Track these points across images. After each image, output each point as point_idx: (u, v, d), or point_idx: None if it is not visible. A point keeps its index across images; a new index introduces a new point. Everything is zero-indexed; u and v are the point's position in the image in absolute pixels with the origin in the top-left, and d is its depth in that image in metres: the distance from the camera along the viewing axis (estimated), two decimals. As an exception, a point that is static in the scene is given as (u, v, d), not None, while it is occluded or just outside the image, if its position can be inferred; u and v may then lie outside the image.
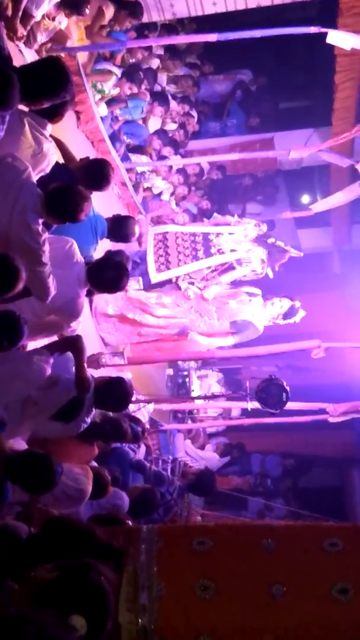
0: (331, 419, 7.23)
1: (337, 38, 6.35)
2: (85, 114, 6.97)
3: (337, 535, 3.12)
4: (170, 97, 8.98)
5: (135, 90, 7.63)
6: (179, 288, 7.37)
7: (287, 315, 7.40)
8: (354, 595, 2.96)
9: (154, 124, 8.65)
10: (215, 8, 8.36)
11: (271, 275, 7.60)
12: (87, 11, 5.65)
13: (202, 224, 7.97)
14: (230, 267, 7.46)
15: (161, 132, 8.65)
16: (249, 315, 7.30)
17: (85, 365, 4.27)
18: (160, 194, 9.08)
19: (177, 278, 7.42)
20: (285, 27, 6.92)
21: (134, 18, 6.97)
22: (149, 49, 8.46)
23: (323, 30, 6.13)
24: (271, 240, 7.42)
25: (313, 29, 6.09)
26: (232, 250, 7.43)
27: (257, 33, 6.20)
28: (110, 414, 4.79)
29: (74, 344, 4.20)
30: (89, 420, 4.39)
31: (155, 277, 7.42)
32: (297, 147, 8.12)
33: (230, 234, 7.49)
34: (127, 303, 6.89)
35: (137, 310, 6.95)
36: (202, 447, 9.31)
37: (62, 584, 2.00)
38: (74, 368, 4.16)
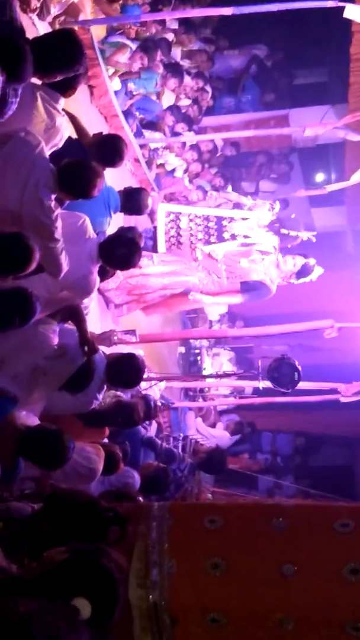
0: (343, 399, 7.22)
1: (355, 12, 6.22)
2: (98, 89, 6.89)
3: (348, 515, 3.12)
4: (184, 72, 8.87)
5: (146, 63, 7.51)
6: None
7: (301, 273, 7.14)
8: (364, 576, 2.96)
9: (167, 100, 8.54)
10: (231, -19, 8.21)
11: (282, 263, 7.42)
12: None
13: (215, 201, 7.85)
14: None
15: (174, 108, 8.56)
16: (261, 275, 7.06)
17: (88, 329, 4.26)
18: (173, 170, 9.00)
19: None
20: (302, 0, 6.78)
21: None
22: (162, 22, 8.34)
23: (340, 3, 5.99)
24: (284, 231, 7.25)
25: (330, 3, 5.95)
26: (245, 237, 7.31)
27: (274, 7, 6.06)
28: (124, 397, 4.79)
29: (74, 311, 4.19)
30: (100, 396, 4.39)
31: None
32: (312, 124, 8.00)
33: (243, 219, 7.38)
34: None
35: (138, 276, 6.73)
36: (213, 425, 9.34)
37: (72, 566, 2.00)
38: None
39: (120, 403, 4.74)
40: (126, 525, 2.81)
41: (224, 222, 7.38)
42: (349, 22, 6.80)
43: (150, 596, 2.98)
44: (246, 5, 6.42)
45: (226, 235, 7.31)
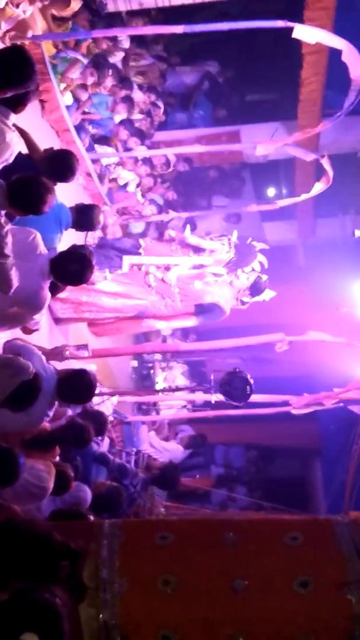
0: (294, 411, 7.30)
1: (303, 32, 6.36)
2: (49, 103, 6.87)
3: (297, 529, 3.16)
4: (136, 86, 8.92)
5: (97, 78, 7.53)
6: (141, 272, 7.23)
7: (254, 290, 7.21)
8: (314, 589, 3.00)
9: (119, 114, 8.57)
10: (183, -1, 8.32)
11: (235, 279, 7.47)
12: None
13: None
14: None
15: (127, 122, 8.57)
16: (215, 297, 7.14)
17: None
18: (126, 185, 9.02)
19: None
20: (253, 19, 6.91)
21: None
22: (114, 39, 8.38)
23: (289, 24, 6.12)
24: (240, 274, 7.30)
25: (280, 23, 6.07)
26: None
27: (224, 26, 6.16)
28: (76, 416, 4.74)
29: None
30: (50, 413, 4.34)
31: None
32: (263, 141, 8.13)
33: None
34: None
35: (90, 292, 6.72)
36: (166, 439, 9.33)
37: (15, 605, 1.99)
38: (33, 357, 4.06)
39: (71, 422, 4.70)
40: (78, 562, 2.78)
41: None
42: (298, 41, 6.95)
43: (101, 615, 2.96)
44: (197, 23, 6.52)
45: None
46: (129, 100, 8.18)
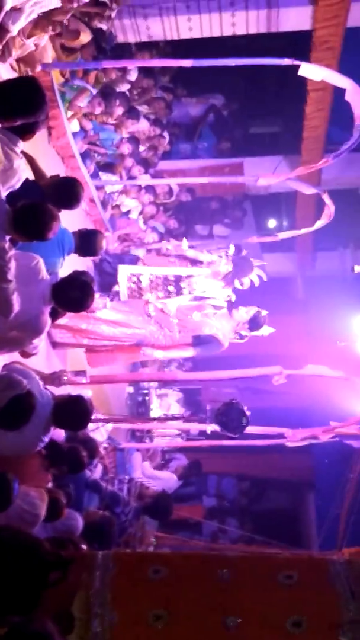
0: (289, 444, 7.26)
1: (309, 70, 6.47)
2: (56, 130, 6.95)
3: (292, 567, 3.13)
4: (142, 117, 9.02)
5: (104, 108, 7.62)
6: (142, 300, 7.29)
7: (253, 324, 7.20)
8: (307, 628, 2.97)
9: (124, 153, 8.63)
10: (191, 33, 8.49)
11: (233, 298, 7.57)
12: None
13: (173, 250, 7.91)
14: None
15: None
16: (214, 329, 7.16)
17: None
18: (128, 212, 9.09)
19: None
20: (259, 56, 7.02)
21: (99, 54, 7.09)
22: (123, 69, 8.51)
23: (296, 62, 6.23)
24: (237, 284, 7.40)
25: (286, 61, 6.19)
26: (202, 292, 7.45)
27: (232, 62, 6.27)
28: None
29: None
30: (46, 438, 4.32)
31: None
32: (265, 174, 8.22)
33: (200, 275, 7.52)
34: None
35: (90, 319, 6.70)
36: (159, 467, 9.28)
37: (15, 637, 1.98)
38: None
39: (66, 446, 4.68)
40: (68, 569, 2.74)
41: (183, 278, 7.53)
42: (303, 78, 7.07)
43: (91, 648, 2.92)
44: (205, 57, 6.62)
45: (185, 291, 7.43)
46: (134, 142, 8.25)
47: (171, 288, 7.44)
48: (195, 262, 7.65)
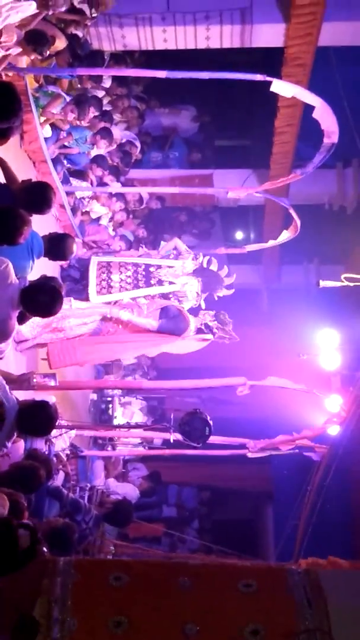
0: (250, 454, 7.33)
1: (281, 87, 6.58)
2: (29, 134, 6.94)
3: (252, 576, 3.17)
4: (114, 124, 9.04)
5: (77, 115, 7.63)
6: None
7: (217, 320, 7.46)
8: (264, 637, 3.00)
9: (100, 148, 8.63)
10: (166, 44, 8.56)
11: (203, 306, 7.68)
12: (47, 53, 5.69)
13: (144, 255, 8.02)
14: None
15: (100, 159, 8.58)
16: (181, 306, 7.38)
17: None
18: (98, 218, 9.09)
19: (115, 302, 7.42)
20: (233, 70, 7.12)
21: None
22: (97, 78, 8.53)
23: (268, 79, 6.32)
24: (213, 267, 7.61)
25: (259, 77, 6.27)
26: (170, 283, 7.53)
27: (206, 75, 6.33)
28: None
29: None
30: (9, 444, 4.30)
31: (95, 298, 7.40)
32: (235, 187, 8.32)
33: (169, 267, 7.63)
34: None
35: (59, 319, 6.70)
36: (121, 475, 9.26)
37: None
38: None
39: (23, 463, 4.61)
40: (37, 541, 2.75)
41: (152, 269, 7.66)
42: (274, 94, 7.17)
43: (50, 655, 2.92)
44: (179, 69, 6.68)
45: (153, 281, 7.53)
46: (108, 135, 8.24)
47: (140, 277, 7.54)
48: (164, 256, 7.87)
